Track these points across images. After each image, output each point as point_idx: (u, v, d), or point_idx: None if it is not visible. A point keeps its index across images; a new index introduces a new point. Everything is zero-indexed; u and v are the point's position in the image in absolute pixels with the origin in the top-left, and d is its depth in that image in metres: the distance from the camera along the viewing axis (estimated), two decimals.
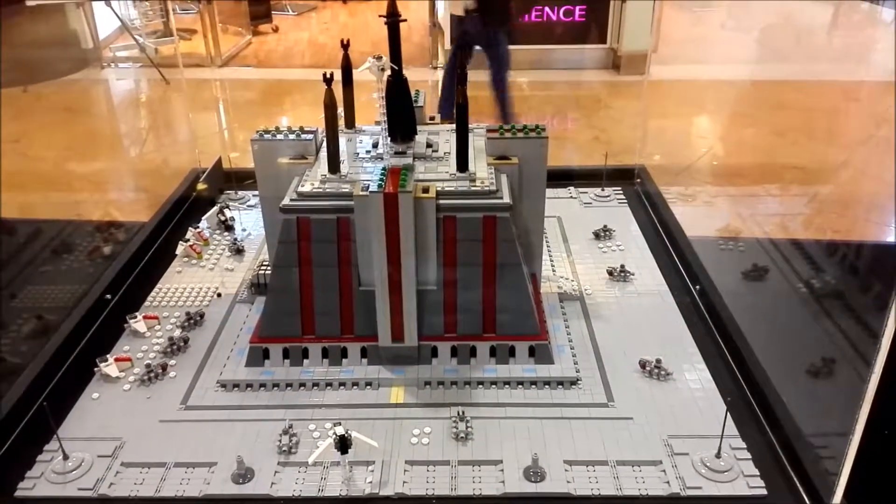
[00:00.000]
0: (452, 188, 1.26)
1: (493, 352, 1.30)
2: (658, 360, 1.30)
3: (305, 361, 1.30)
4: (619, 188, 1.95)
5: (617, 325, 1.43)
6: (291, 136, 1.36)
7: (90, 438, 1.18)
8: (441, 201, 1.24)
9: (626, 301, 1.51)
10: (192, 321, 1.44)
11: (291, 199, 1.25)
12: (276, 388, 1.28)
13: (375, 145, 1.38)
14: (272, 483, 1.09)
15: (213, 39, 5.36)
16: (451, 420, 1.18)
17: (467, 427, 1.17)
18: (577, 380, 1.28)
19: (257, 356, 1.30)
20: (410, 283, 1.23)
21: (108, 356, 1.32)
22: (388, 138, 1.32)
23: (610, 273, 1.58)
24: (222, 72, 5.37)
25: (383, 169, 1.24)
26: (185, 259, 1.67)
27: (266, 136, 1.36)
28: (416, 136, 1.39)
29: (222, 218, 1.78)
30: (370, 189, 1.18)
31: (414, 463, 1.13)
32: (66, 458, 1.13)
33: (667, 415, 1.21)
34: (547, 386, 1.27)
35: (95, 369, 1.30)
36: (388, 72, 1.22)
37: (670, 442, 1.15)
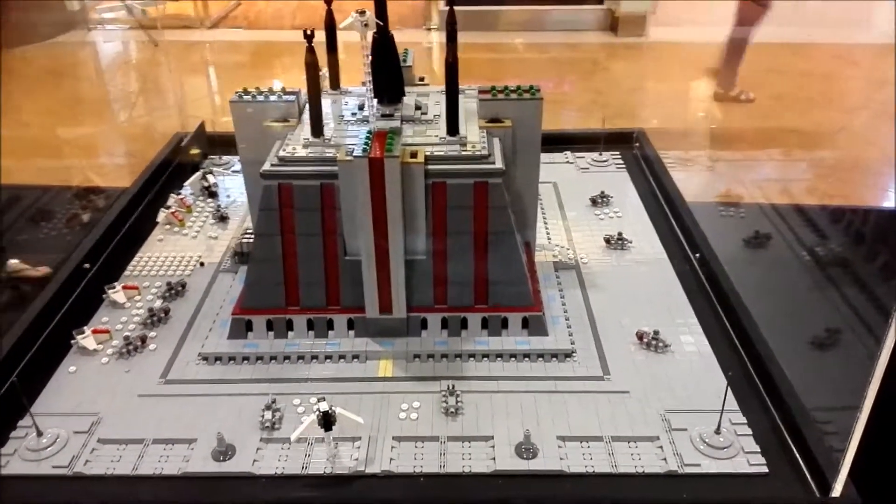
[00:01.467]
0: (442, 153, 1.20)
1: (484, 323, 1.25)
2: (656, 332, 1.25)
3: (290, 334, 1.26)
4: (618, 153, 1.89)
5: (614, 295, 1.38)
6: (273, 98, 1.30)
7: (66, 414, 1.14)
8: (430, 166, 1.18)
9: (623, 270, 1.46)
10: (173, 291, 1.39)
11: (272, 165, 1.19)
12: (259, 362, 1.23)
13: (361, 107, 1.32)
14: (254, 460, 1.05)
15: (202, 1, 5.24)
16: (440, 394, 1.14)
17: (457, 402, 1.13)
18: (572, 352, 1.23)
19: (240, 328, 1.25)
20: (398, 253, 1.18)
21: (85, 328, 1.27)
22: (375, 100, 1.26)
23: (607, 241, 1.52)
24: (212, 33, 5.25)
25: (369, 132, 1.17)
26: (167, 227, 1.61)
27: (246, 97, 1.30)
28: (405, 98, 1.33)
29: (206, 184, 1.72)
30: (354, 154, 1.11)
31: (402, 439, 1.08)
32: (40, 434, 1.08)
33: (665, 389, 1.16)
34: (541, 359, 1.22)
35: (72, 342, 1.25)
36: (373, 28, 1.15)
37: (668, 417, 1.11)
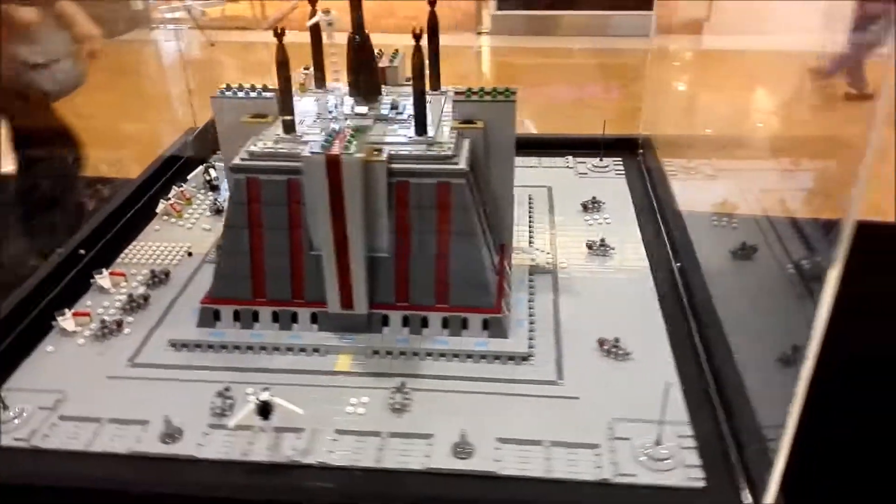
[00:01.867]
0: (406, 152, 1.21)
1: (445, 323, 1.26)
2: (616, 339, 1.24)
3: (256, 325, 1.29)
4: (620, 159, 1.87)
5: (585, 301, 1.37)
6: (253, 94, 1.33)
7: (36, 390, 1.19)
8: (393, 165, 1.20)
9: (601, 276, 1.44)
10: (156, 279, 1.44)
11: (241, 159, 1.23)
12: (224, 350, 1.27)
13: (337, 105, 1.35)
14: (199, 444, 1.08)
15: (259, 3, 5.39)
16: (390, 391, 1.15)
17: (405, 399, 1.14)
18: (529, 355, 1.23)
19: (208, 317, 1.29)
20: (358, 250, 1.20)
21: (67, 310, 1.33)
22: (352, 98, 1.28)
23: (589, 247, 1.51)
24: (268, 34, 5.38)
25: (333, 130, 1.20)
26: (165, 217, 1.67)
27: (228, 93, 1.34)
28: (384, 97, 1.35)
29: (207, 178, 1.77)
30: (312, 151, 1.14)
31: (344, 432, 1.10)
32: (5, 408, 1.14)
33: (616, 397, 1.15)
34: (497, 360, 1.22)
35: (53, 323, 1.32)
36: (335, 27, 1.18)
37: (614, 425, 1.09)
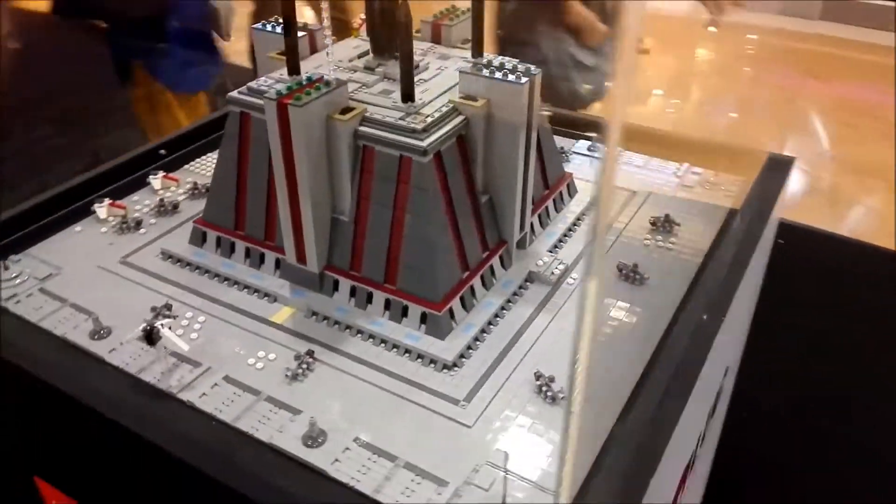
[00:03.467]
0: (380, 117, 1.13)
1: (387, 305, 1.18)
2: (551, 378, 1.07)
3: (232, 256, 1.32)
4: (742, 177, 1.57)
5: (563, 326, 1.19)
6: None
7: (42, 261, 1.35)
8: (363, 128, 1.13)
9: (609, 306, 1.24)
10: (196, 192, 1.52)
11: (239, 92, 1.24)
12: (197, 271, 1.31)
13: (361, 56, 1.29)
14: (112, 349, 1.15)
15: None
16: (296, 367, 1.11)
17: (304, 368, 1.10)
18: (454, 366, 1.11)
19: (197, 237, 1.35)
20: (307, 205, 1.15)
21: (106, 199, 1.47)
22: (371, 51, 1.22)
23: (620, 269, 1.30)
24: None
25: (308, 78, 1.15)
26: None
27: (267, 26, 1.34)
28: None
29: None
30: (266, 95, 1.11)
31: (230, 381, 1.09)
32: (6, 268, 1.31)
33: (509, 440, 1.00)
34: (419, 360, 1.12)
35: (92, 208, 1.46)
36: None
37: (482, 470, 0.96)
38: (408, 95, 1.15)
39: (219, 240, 1.32)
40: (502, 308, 1.22)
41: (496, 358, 1.13)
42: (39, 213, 1.45)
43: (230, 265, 1.30)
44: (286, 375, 1.09)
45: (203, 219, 1.35)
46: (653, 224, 1.42)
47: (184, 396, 1.07)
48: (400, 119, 1.12)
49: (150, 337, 1.08)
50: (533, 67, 1.17)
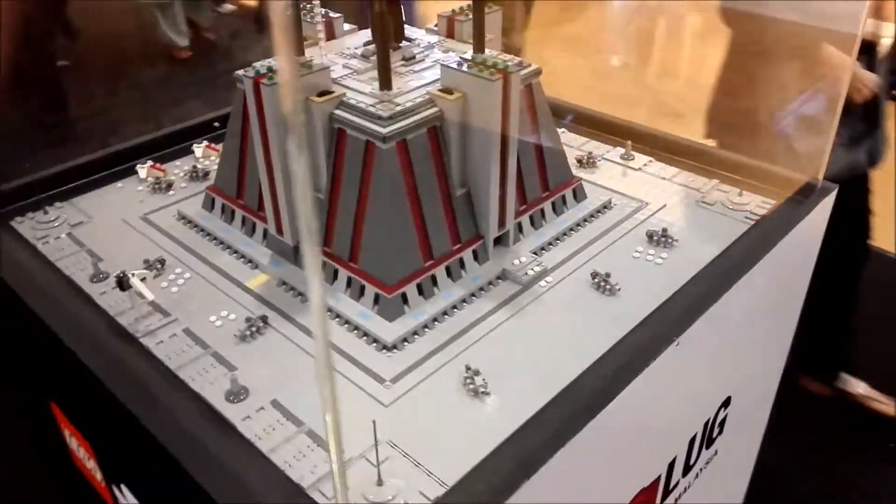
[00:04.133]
0: (355, 101, 1.18)
1: (349, 283, 1.22)
2: (476, 371, 1.07)
3: (232, 223, 1.41)
4: (772, 200, 1.47)
5: (522, 324, 1.18)
6: (309, 15, 1.40)
7: (80, 210, 1.50)
8: (337, 111, 1.18)
9: (572, 313, 1.21)
10: None
11: (244, 71, 1.32)
12: (200, 233, 1.42)
13: (367, 44, 1.34)
14: (103, 292, 1.27)
15: None
16: (246, 328, 1.17)
17: (255, 331, 1.17)
18: (393, 347, 1.13)
19: (208, 202, 1.45)
20: (280, 179, 1.22)
21: (149, 161, 1.61)
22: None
23: (593, 276, 1.27)
24: None
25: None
26: None
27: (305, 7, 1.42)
28: (409, 46, 1.30)
29: None
30: (245, 73, 1.18)
31: (188, 333, 1.18)
32: (45, 213, 1.47)
33: (420, 433, 1.01)
34: (364, 338, 1.16)
35: (136, 167, 1.61)
36: None
37: (383, 446, 0.98)
38: (384, 83, 1.18)
39: (223, 207, 1.42)
40: (463, 301, 1.22)
41: (438, 347, 1.14)
42: (92, 167, 1.61)
43: (228, 231, 1.39)
44: (235, 335, 1.17)
45: (214, 186, 1.45)
46: (649, 237, 1.37)
47: (144, 341, 1.17)
48: (371, 105, 1.16)
49: (121, 284, 1.18)
50: (531, 67, 1.16)
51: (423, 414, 1.03)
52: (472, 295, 1.24)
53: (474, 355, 1.12)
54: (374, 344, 1.15)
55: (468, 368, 1.08)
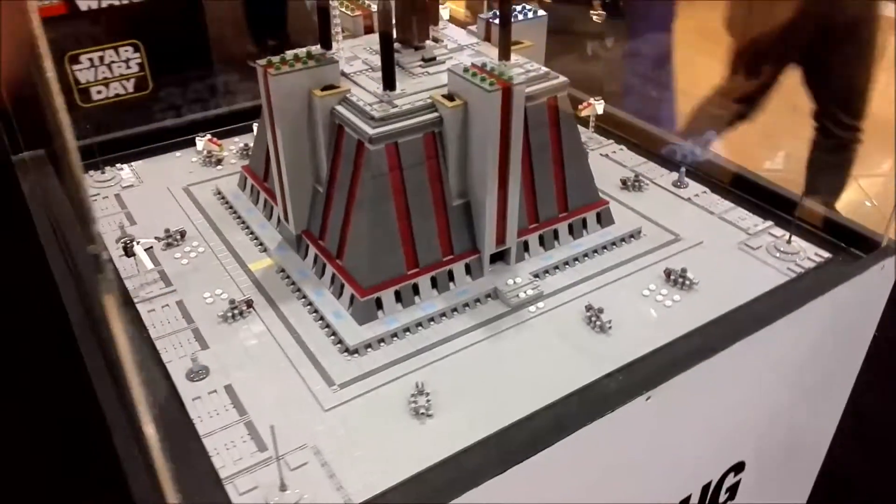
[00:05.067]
0: (356, 99, 1.17)
1: (333, 279, 1.23)
2: (420, 390, 1.04)
3: (257, 204, 1.45)
4: (829, 252, 1.32)
5: (495, 348, 1.14)
6: (342, 10, 1.40)
7: (135, 172, 1.61)
8: (338, 107, 1.18)
9: (554, 344, 1.15)
10: None
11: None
12: (228, 210, 1.47)
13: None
14: (120, 254, 1.34)
15: None
16: (229, 309, 1.21)
17: (236, 314, 1.20)
18: (355, 351, 1.13)
19: (242, 181, 1.51)
20: (284, 169, 1.24)
21: (209, 134, 1.69)
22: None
23: (587, 308, 1.19)
24: None
25: (308, 52, 1.22)
26: None
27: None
28: (433, 47, 1.28)
29: None
30: (258, 61, 1.20)
31: (181, 307, 1.23)
32: (102, 171, 1.58)
33: (346, 440, 1.00)
34: (332, 336, 1.16)
35: (196, 138, 1.69)
36: None
37: (307, 451, 0.98)
38: (386, 83, 1.16)
39: (252, 187, 1.47)
40: (442, 314, 1.19)
41: (399, 358, 1.12)
42: (157, 135, 1.71)
43: (251, 211, 1.44)
44: (218, 315, 1.20)
45: (248, 166, 1.50)
46: (666, 275, 1.27)
47: (140, 307, 1.23)
48: (368, 105, 1.15)
49: (126, 250, 1.25)
50: (556, 79, 1.12)
51: (358, 425, 1.02)
52: (455, 310, 1.20)
53: (432, 374, 1.09)
54: (338, 345, 1.15)
55: (417, 386, 1.05)
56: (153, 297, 1.25)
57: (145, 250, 1.26)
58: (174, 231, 1.39)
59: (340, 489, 0.94)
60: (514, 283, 1.24)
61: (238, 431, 1.02)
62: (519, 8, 1.37)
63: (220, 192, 1.52)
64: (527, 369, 1.11)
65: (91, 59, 1.78)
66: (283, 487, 0.93)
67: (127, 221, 1.44)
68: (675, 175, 1.55)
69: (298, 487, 0.93)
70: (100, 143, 1.66)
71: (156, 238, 1.37)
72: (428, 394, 1.04)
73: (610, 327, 1.16)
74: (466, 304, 1.21)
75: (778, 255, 1.33)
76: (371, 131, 1.11)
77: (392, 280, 1.18)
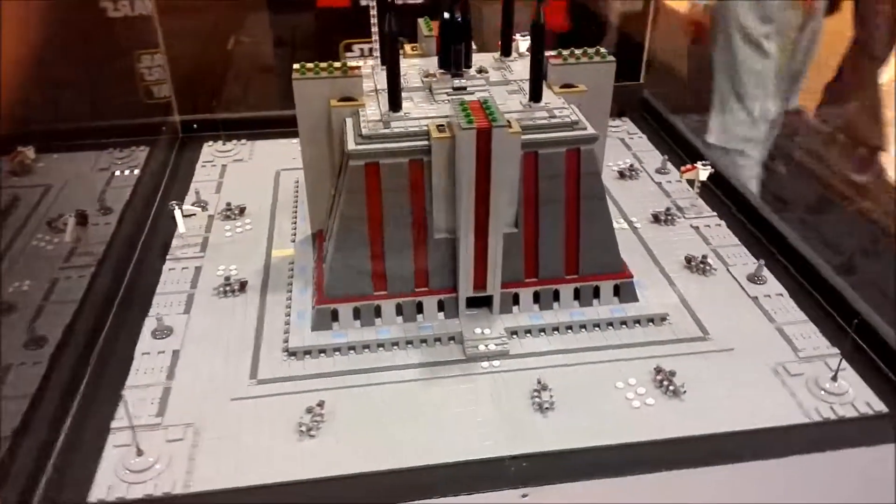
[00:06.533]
0: (362, 112, 1.18)
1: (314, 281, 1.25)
2: (311, 409, 1.02)
3: None
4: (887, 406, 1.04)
5: (423, 390, 1.08)
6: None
7: (251, 149, 1.78)
8: (348, 120, 1.19)
9: (474, 409, 1.06)
10: None
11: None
12: (294, 198, 1.57)
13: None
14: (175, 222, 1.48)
15: None
16: (223, 285, 1.30)
17: (228, 291, 1.28)
18: (292, 354, 1.14)
19: None
20: (307, 168, 1.30)
21: None
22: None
23: (537, 385, 1.08)
24: None
25: (343, 63, 1.24)
26: None
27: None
28: (472, 74, 1.25)
29: None
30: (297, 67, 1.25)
31: (196, 273, 1.35)
32: (223, 143, 1.77)
33: (227, 433, 1.03)
34: (286, 334, 1.19)
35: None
36: None
37: (187, 431, 1.03)
38: (392, 103, 1.15)
39: None
40: (394, 343, 1.16)
41: (326, 372, 1.12)
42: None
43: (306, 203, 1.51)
44: (213, 288, 1.30)
45: None
46: (656, 371, 1.09)
47: (168, 263, 1.37)
48: (368, 122, 1.15)
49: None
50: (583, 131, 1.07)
51: (247, 423, 1.04)
52: (410, 343, 1.16)
53: (345, 397, 1.07)
54: (286, 343, 1.17)
55: (317, 404, 1.04)
56: (183, 258, 1.38)
57: (184, 216, 1.39)
58: (235, 206, 1.52)
59: (189, 473, 0.96)
60: (483, 332, 1.16)
61: (155, 392, 1.09)
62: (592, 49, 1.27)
63: (297, 182, 1.62)
64: (436, 423, 1.03)
65: (361, 49, 1.98)
66: (139, 453, 0.98)
67: (213, 189, 1.60)
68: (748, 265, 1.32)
69: (155, 457, 0.98)
70: (238, 120, 1.87)
71: (222, 210, 1.51)
72: (322, 415, 1.03)
73: (549, 409, 1.04)
74: (424, 341, 1.17)
75: (813, 390, 1.07)
76: (352, 147, 1.11)
77: (355, 297, 1.17)
